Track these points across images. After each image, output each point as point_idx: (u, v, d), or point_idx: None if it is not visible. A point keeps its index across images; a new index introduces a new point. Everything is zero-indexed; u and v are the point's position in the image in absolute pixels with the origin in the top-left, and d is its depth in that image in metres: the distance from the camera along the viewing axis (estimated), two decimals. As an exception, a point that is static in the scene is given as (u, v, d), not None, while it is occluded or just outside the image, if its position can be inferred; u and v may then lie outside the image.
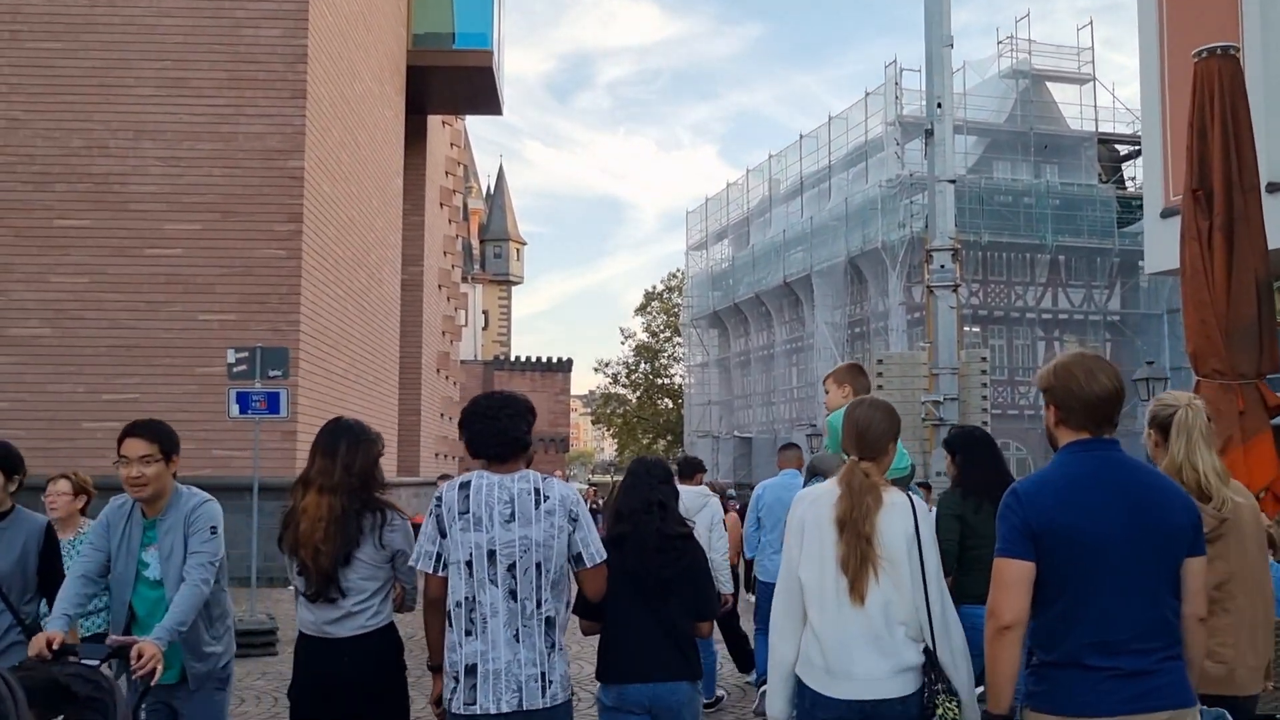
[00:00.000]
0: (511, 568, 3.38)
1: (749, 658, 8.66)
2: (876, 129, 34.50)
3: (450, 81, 28.11)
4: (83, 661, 3.20)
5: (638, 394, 61.94)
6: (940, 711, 3.13)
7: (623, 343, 75.04)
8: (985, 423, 9.02)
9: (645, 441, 60.93)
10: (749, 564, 11.13)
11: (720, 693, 7.94)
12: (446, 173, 37.85)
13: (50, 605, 3.83)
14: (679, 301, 57.10)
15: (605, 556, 3.63)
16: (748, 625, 8.90)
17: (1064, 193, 34.00)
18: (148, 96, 17.40)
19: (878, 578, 3.16)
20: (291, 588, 3.96)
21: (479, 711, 3.32)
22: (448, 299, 37.56)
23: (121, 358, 16.90)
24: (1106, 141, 36.63)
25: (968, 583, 4.73)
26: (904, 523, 3.23)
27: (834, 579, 3.19)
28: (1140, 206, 31.53)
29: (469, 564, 3.38)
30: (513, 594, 3.37)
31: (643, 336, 61.93)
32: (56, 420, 16.29)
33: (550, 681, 3.37)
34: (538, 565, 3.40)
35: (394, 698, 3.86)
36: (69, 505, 5.19)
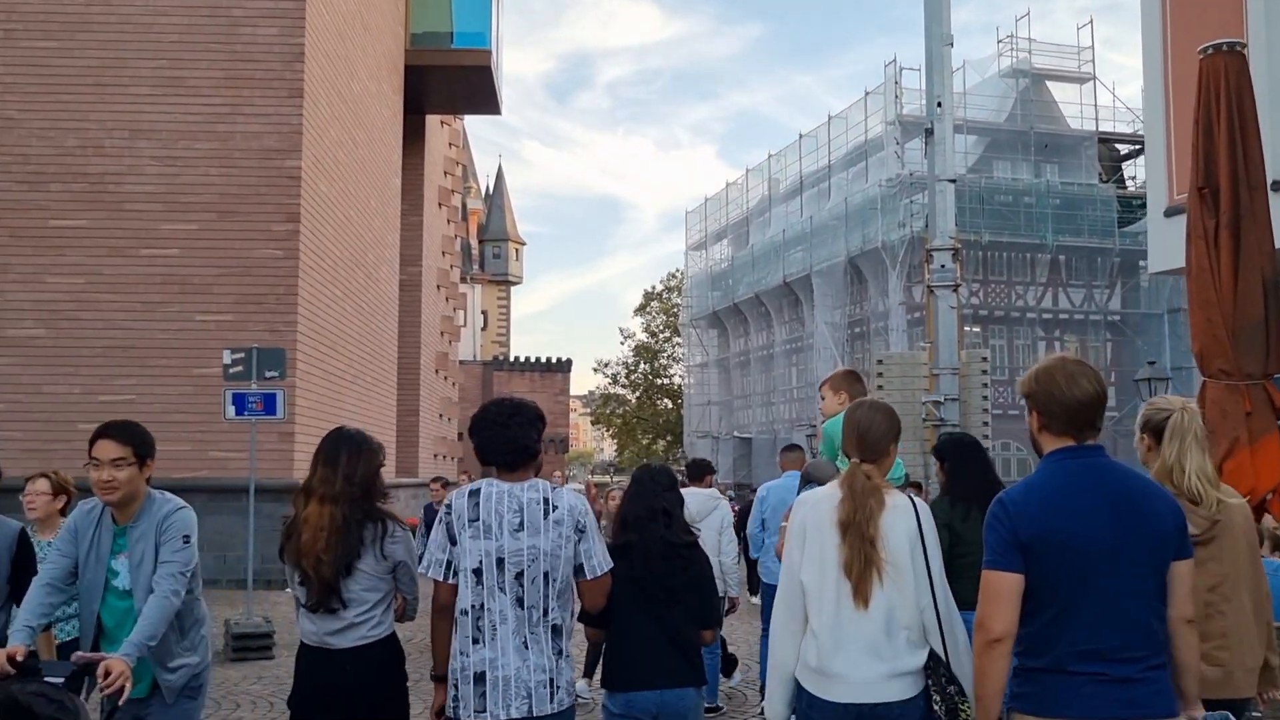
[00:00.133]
0: (520, 576, 3.39)
1: (731, 661, 8.64)
2: (876, 128, 34.47)
3: (449, 81, 28.04)
4: (46, 679, 3.09)
5: (637, 394, 61.93)
6: (963, 716, 3.12)
7: (622, 343, 75.17)
8: (986, 423, 8.96)
9: (645, 442, 60.95)
10: (752, 564, 11.09)
11: (719, 705, 7.88)
12: (445, 172, 37.76)
13: None
14: (678, 302, 57.10)
15: (609, 568, 3.61)
16: (747, 626, 8.83)
17: (1064, 192, 33.98)
18: (144, 95, 17.31)
19: (881, 581, 3.15)
20: (290, 594, 3.88)
21: (489, 718, 3.33)
22: (446, 299, 37.48)
23: (117, 358, 16.82)
24: (1107, 141, 36.63)
25: (957, 590, 4.69)
26: (907, 524, 3.22)
27: (835, 582, 3.18)
28: (1141, 206, 31.57)
29: (478, 572, 3.40)
30: (520, 602, 3.38)
31: (642, 337, 61.98)
32: (52, 421, 16.20)
33: (558, 688, 3.40)
34: (545, 575, 3.41)
35: (395, 709, 3.84)
36: (48, 505, 5.04)
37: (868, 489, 3.23)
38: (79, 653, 3.43)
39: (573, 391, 73.47)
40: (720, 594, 6.95)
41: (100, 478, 3.58)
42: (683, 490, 6.29)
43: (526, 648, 3.37)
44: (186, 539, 3.66)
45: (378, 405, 23.68)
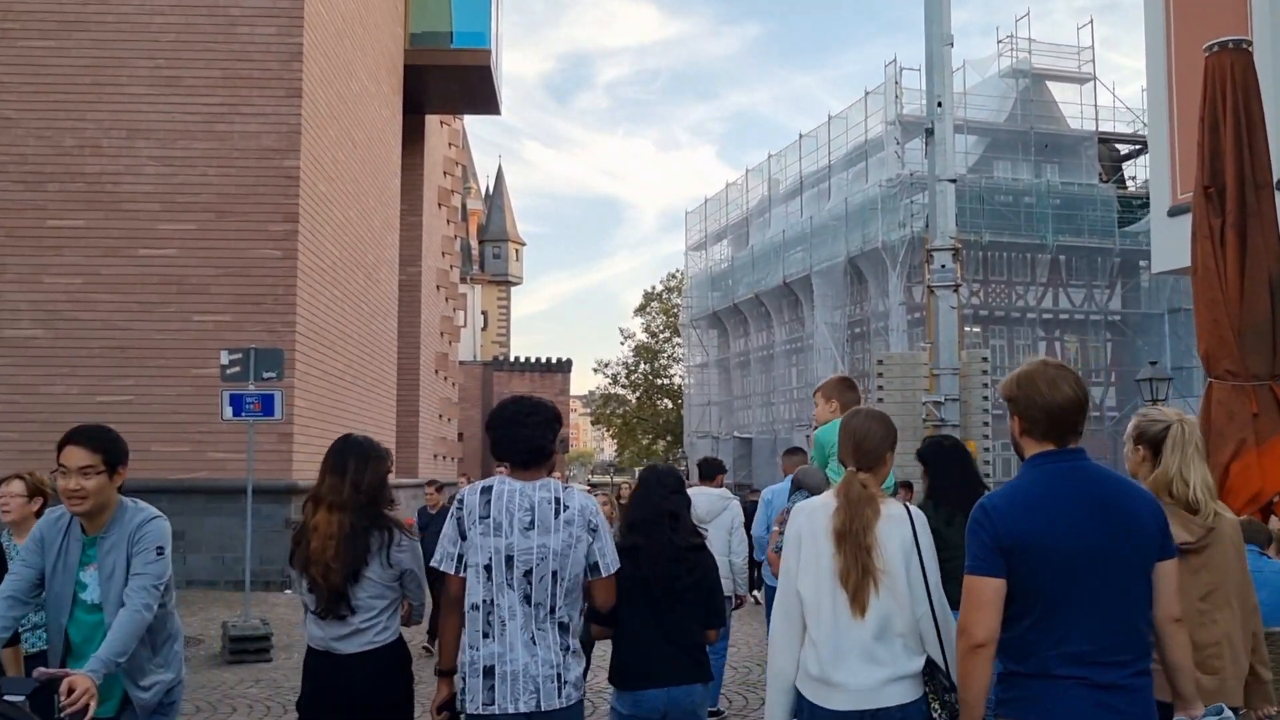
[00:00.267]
0: (528, 573, 3.43)
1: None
2: (876, 129, 34.42)
3: (448, 81, 28.02)
4: (5, 698, 2.98)
5: (637, 394, 61.89)
6: None
7: (622, 343, 75.09)
8: (986, 423, 8.93)
9: (645, 442, 60.94)
10: (756, 566, 11.02)
11: (720, 709, 7.83)
12: (445, 173, 37.75)
13: None
14: (678, 302, 57.06)
15: (618, 567, 3.67)
16: (747, 628, 8.77)
17: (1064, 192, 33.94)
18: (141, 95, 17.27)
19: (878, 590, 3.15)
20: (289, 596, 3.87)
21: (497, 711, 3.37)
22: (446, 299, 37.44)
23: (115, 359, 16.76)
24: (1107, 141, 36.60)
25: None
26: (902, 533, 3.22)
27: (830, 591, 3.18)
28: (1141, 206, 31.53)
29: (488, 568, 3.44)
30: (528, 598, 3.43)
31: (642, 337, 61.92)
32: (50, 422, 16.09)
33: (565, 682, 3.44)
34: (554, 573, 3.45)
35: (401, 713, 3.88)
36: (22, 508, 4.84)
37: (863, 498, 3.22)
38: (41, 669, 3.28)
39: (573, 392, 73.47)
40: (728, 594, 6.92)
41: (68, 487, 3.37)
42: (694, 490, 6.28)
43: (534, 643, 3.41)
44: (160, 550, 3.47)
45: (377, 406, 23.63)
